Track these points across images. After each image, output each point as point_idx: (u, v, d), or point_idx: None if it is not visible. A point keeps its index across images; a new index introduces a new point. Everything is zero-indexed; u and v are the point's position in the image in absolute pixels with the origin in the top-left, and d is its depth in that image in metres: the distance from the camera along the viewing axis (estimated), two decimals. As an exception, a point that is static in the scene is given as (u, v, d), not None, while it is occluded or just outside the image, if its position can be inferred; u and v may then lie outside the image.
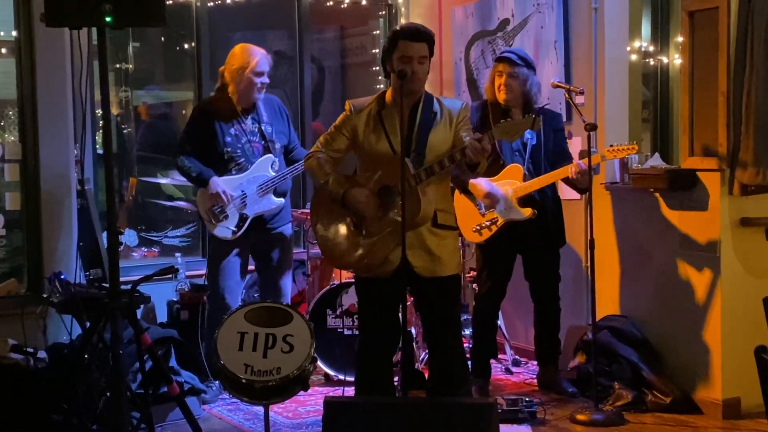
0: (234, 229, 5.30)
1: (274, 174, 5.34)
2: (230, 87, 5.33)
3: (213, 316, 5.36)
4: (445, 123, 4.11)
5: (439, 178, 4.09)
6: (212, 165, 5.31)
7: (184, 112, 7.69)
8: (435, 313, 4.21)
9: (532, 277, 5.43)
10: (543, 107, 5.30)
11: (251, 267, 5.67)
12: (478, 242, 5.29)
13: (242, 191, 5.29)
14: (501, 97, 5.18)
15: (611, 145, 5.10)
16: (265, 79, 5.32)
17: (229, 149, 5.31)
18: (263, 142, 5.39)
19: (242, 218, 5.31)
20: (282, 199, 5.39)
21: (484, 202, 5.13)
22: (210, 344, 5.06)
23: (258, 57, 5.28)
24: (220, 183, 5.25)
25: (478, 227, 5.20)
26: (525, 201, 5.14)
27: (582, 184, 5.06)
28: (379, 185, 4.08)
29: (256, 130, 5.38)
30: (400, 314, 4.01)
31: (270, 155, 5.36)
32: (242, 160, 5.34)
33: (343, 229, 4.16)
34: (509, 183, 5.14)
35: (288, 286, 5.62)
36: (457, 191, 5.18)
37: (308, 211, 5.99)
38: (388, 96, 4.15)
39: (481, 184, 5.08)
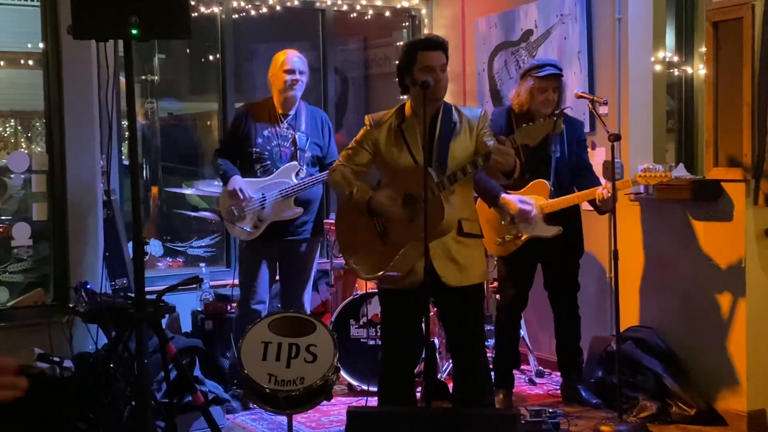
0: (250, 230, 5.34)
1: (296, 182, 5.38)
2: (273, 92, 5.48)
3: (239, 321, 5.41)
4: (465, 132, 4.12)
5: (462, 187, 4.09)
6: (243, 164, 5.43)
7: (209, 123, 7.74)
8: (459, 322, 4.20)
9: (551, 287, 5.43)
10: (563, 111, 5.28)
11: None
12: (501, 255, 5.29)
13: (262, 194, 5.34)
14: (546, 111, 5.12)
15: (644, 170, 5.05)
16: (296, 77, 5.39)
17: (258, 150, 5.40)
18: (292, 149, 5.44)
19: (259, 220, 5.35)
20: (300, 209, 5.41)
21: (516, 220, 5.10)
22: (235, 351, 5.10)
23: (287, 55, 5.42)
24: (239, 182, 5.31)
25: (501, 240, 5.20)
26: (549, 215, 5.14)
27: (605, 207, 5.04)
28: (403, 195, 4.08)
29: (290, 136, 5.44)
30: (423, 325, 4.02)
31: (295, 162, 5.40)
32: (268, 162, 5.40)
33: (367, 242, 4.16)
34: (535, 198, 5.13)
35: (308, 298, 5.63)
36: (483, 203, 5.18)
37: (332, 221, 6.03)
38: (408, 109, 4.16)
39: (513, 201, 5.06)
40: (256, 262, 5.47)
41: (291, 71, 5.38)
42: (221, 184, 5.48)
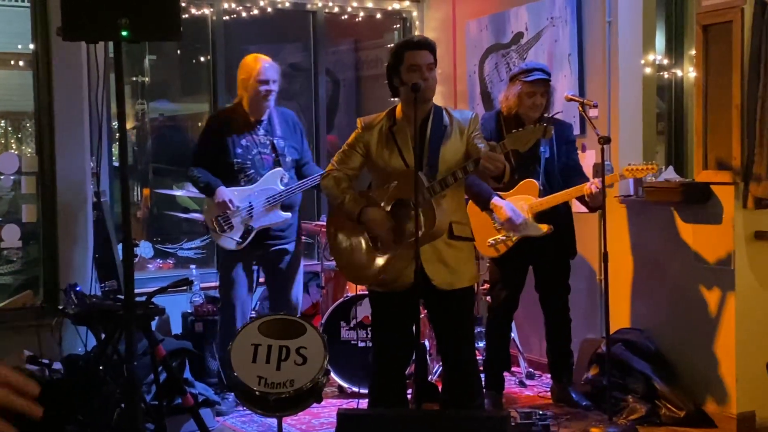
0: (238, 240, 5.31)
1: (282, 188, 5.36)
2: (243, 98, 5.38)
3: (225, 327, 5.39)
4: (456, 135, 4.12)
5: (454, 190, 4.09)
6: (222, 175, 5.34)
7: (200, 124, 7.71)
8: (450, 325, 4.20)
9: (542, 288, 5.44)
10: (553, 116, 5.29)
11: (263, 279, 5.70)
12: (494, 257, 5.30)
13: (249, 203, 5.31)
14: (534, 115, 5.13)
15: (630, 164, 5.07)
16: (271, 87, 5.32)
17: (239, 160, 5.33)
18: (274, 155, 5.40)
19: (247, 230, 5.32)
20: (289, 213, 5.40)
21: (504, 227, 5.12)
22: (223, 356, 5.09)
23: (263, 65, 5.31)
24: (227, 192, 5.26)
25: (493, 242, 5.20)
26: (539, 214, 5.15)
27: (595, 203, 5.05)
28: (394, 199, 4.09)
29: (268, 142, 5.40)
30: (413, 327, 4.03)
31: (280, 169, 5.38)
32: (252, 171, 5.36)
33: (359, 245, 4.16)
34: (524, 198, 5.14)
35: (299, 297, 5.63)
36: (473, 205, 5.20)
37: (323, 223, 6.03)
38: (398, 111, 4.16)
39: (504, 208, 5.07)
40: (236, 266, 5.42)
41: (265, 82, 5.30)
42: (201, 193, 5.44)
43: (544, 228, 5.13)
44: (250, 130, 5.38)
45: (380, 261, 4.09)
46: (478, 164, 3.92)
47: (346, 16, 7.21)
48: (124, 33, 3.73)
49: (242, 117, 5.38)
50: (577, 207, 5.41)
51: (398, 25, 7.47)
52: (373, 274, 4.12)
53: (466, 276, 4.16)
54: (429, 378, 5.52)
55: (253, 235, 5.32)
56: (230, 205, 5.24)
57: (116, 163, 5.98)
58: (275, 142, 5.40)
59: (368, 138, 4.17)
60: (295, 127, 5.55)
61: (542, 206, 5.13)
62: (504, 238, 5.18)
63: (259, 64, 5.31)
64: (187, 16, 6.45)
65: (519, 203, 5.12)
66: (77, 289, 4.90)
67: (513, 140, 4.01)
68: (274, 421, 4.64)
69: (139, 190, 7.28)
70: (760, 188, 4.79)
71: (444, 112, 4.17)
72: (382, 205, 4.11)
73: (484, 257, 5.60)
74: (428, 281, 4.03)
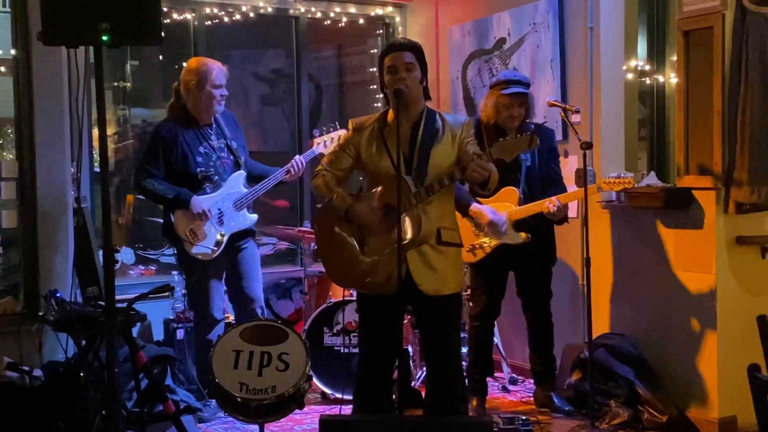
0: (213, 247, 5.28)
1: (246, 190, 5.35)
2: (189, 103, 5.33)
3: (204, 335, 5.34)
4: (447, 139, 4.11)
5: (442, 196, 4.08)
6: (183, 185, 5.28)
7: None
8: (436, 330, 4.20)
9: (524, 294, 5.44)
10: (540, 125, 5.30)
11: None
12: (472, 262, 5.30)
13: (219, 209, 5.29)
14: (513, 125, 5.14)
15: (609, 177, 5.08)
16: (224, 92, 5.32)
17: (202, 169, 5.29)
18: (232, 158, 5.40)
19: (220, 236, 5.30)
20: (255, 215, 5.40)
21: (486, 230, 5.12)
22: (203, 364, 5.06)
23: (215, 70, 5.28)
24: (203, 201, 5.23)
25: (471, 247, 5.20)
26: (517, 222, 5.15)
27: (554, 218, 5.08)
28: (382, 204, 4.08)
29: (224, 146, 5.38)
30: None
31: (241, 171, 5.39)
32: (216, 177, 5.33)
33: (346, 248, 4.14)
34: (504, 206, 5.14)
35: (260, 294, 5.57)
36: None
37: (306, 229, 6.02)
38: (390, 114, 4.16)
39: (484, 211, 5.07)
40: (206, 272, 5.37)
41: (220, 86, 5.29)
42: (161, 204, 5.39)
43: (522, 237, 5.13)
44: (203, 136, 5.34)
45: (367, 264, 4.08)
46: (464, 171, 3.92)
47: (328, 22, 7.21)
48: (104, 37, 3.71)
49: (191, 124, 5.33)
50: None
51: (381, 31, 7.47)
52: (359, 277, 4.11)
53: (454, 282, 4.15)
54: (412, 384, 5.51)
55: (225, 241, 5.29)
56: (209, 213, 5.21)
57: (97, 169, 5.94)
58: (230, 144, 5.39)
59: (359, 140, 4.17)
60: (237, 126, 5.55)
61: (520, 215, 5.14)
62: (485, 243, 5.18)
63: (213, 71, 5.27)
64: (168, 21, 6.44)
65: (500, 210, 5.12)
66: (57, 295, 4.87)
67: (500, 149, 4.02)
68: (256, 428, 4.62)
69: (122, 196, 7.24)
70: (742, 193, 4.81)
71: (437, 116, 4.16)
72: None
73: (464, 263, 5.60)
74: (415, 286, 4.02)
